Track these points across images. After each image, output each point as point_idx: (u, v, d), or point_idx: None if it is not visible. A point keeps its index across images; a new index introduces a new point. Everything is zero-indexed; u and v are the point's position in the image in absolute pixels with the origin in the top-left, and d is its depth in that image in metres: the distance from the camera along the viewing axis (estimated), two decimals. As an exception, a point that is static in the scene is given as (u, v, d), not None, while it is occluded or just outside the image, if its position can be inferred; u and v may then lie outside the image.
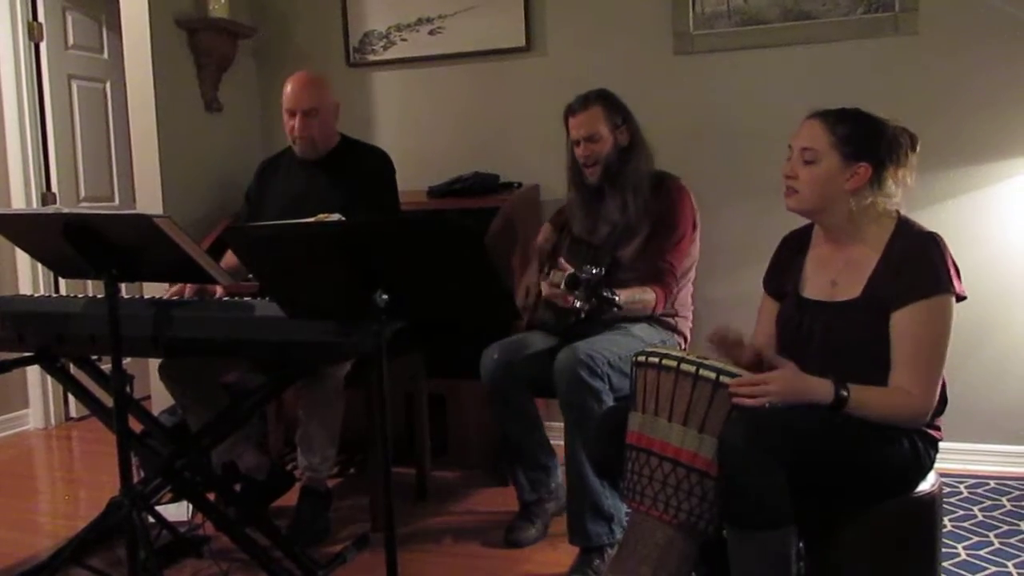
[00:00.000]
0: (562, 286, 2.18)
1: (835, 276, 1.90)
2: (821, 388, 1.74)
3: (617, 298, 2.27)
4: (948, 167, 3.04)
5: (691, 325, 2.71)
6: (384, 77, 3.83)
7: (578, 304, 2.16)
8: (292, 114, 2.81)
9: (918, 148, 1.89)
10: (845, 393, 1.73)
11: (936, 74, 3.05)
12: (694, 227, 2.63)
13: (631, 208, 2.55)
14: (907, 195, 1.90)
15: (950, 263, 1.78)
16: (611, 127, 2.59)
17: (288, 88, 2.84)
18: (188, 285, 2.60)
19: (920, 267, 1.77)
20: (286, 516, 2.75)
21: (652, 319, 2.58)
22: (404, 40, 3.75)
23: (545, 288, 2.36)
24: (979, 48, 2.99)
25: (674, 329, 2.63)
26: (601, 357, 2.32)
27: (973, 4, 2.98)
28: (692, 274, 2.69)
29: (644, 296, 2.47)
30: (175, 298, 2.52)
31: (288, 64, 3.75)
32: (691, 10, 3.30)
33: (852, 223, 1.88)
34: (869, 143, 1.84)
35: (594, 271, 2.15)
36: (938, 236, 1.81)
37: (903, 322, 1.77)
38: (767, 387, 1.72)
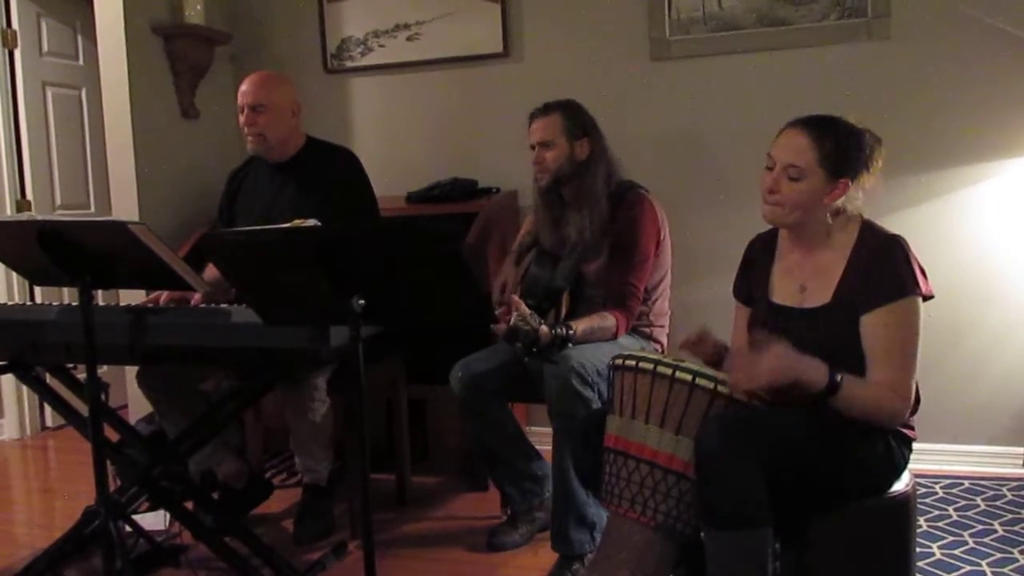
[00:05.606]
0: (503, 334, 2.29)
1: (804, 281, 1.91)
2: (816, 368, 1.72)
3: (572, 332, 2.33)
4: (920, 170, 3.07)
5: (667, 331, 2.71)
6: (362, 83, 3.82)
7: (520, 353, 2.27)
8: (242, 110, 2.81)
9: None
10: (839, 378, 1.71)
11: (908, 79, 3.08)
12: (658, 243, 2.58)
13: (588, 231, 2.53)
14: (878, 199, 1.92)
15: (915, 264, 1.80)
16: (568, 137, 2.56)
17: (241, 86, 2.84)
18: (164, 293, 2.59)
19: (886, 272, 1.79)
20: (265, 524, 2.74)
21: (630, 329, 2.57)
22: (382, 46, 3.75)
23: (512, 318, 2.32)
24: (950, 53, 3.03)
25: (649, 338, 2.64)
26: (591, 366, 2.32)
27: (944, 10, 3.02)
28: (666, 283, 2.67)
29: (603, 323, 2.46)
30: (150, 305, 2.50)
31: (265, 70, 3.73)
32: (667, 16, 3.32)
33: (823, 231, 1.89)
34: (853, 158, 1.84)
35: (535, 324, 2.22)
36: (902, 239, 1.82)
37: (872, 326, 1.79)
38: (761, 364, 1.70)
